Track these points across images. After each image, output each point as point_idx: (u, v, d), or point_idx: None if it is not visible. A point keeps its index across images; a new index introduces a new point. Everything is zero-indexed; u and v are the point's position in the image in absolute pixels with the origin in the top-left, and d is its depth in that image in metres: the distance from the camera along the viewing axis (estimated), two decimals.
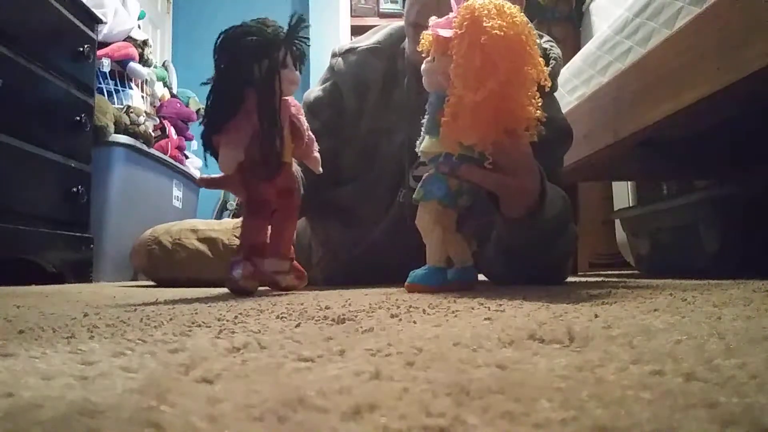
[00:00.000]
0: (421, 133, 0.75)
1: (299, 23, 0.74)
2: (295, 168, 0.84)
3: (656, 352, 0.26)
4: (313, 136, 0.83)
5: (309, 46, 0.76)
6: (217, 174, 0.77)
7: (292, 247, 0.84)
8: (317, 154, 0.84)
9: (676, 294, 0.59)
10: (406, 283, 0.74)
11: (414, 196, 0.76)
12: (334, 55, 1.13)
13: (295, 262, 0.84)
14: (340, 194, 1.10)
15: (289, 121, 0.78)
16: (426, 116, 0.74)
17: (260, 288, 0.82)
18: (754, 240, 1.26)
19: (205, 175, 0.82)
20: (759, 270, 1.02)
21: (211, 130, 0.73)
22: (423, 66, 0.74)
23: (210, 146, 0.75)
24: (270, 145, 0.73)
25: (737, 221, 1.32)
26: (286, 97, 0.77)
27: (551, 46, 1.04)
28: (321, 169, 0.85)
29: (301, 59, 0.76)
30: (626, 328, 0.34)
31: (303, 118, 0.81)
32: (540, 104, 0.66)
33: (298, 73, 0.76)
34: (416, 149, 0.76)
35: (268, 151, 0.73)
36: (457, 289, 0.74)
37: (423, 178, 0.76)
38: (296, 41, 0.74)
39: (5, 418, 0.17)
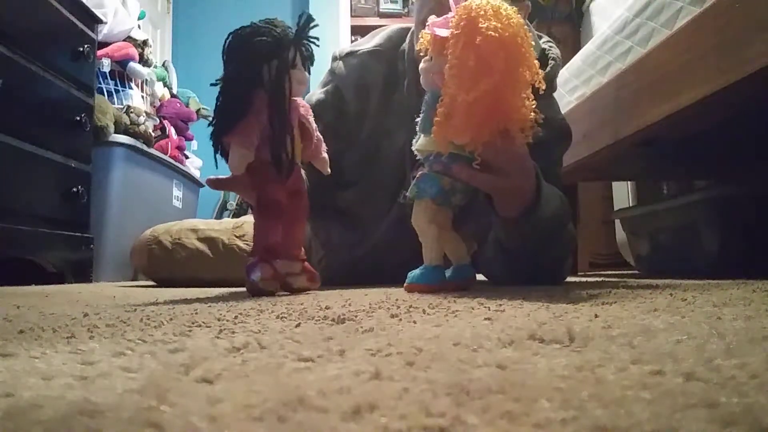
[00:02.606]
0: (417, 131, 0.75)
1: (308, 23, 0.74)
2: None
3: (656, 352, 0.26)
4: (321, 137, 0.83)
5: (318, 46, 0.76)
6: (225, 174, 0.77)
7: (303, 248, 0.84)
8: (325, 155, 0.84)
9: (676, 294, 0.59)
10: (405, 285, 0.74)
11: (408, 194, 0.76)
12: (334, 59, 1.13)
13: (306, 263, 0.84)
14: (341, 196, 1.10)
15: (298, 122, 0.78)
16: (421, 114, 0.75)
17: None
18: (755, 240, 1.26)
19: (213, 176, 0.81)
20: (759, 270, 1.02)
21: (221, 130, 0.73)
22: (421, 65, 0.74)
23: (220, 147, 0.74)
24: (281, 146, 0.73)
25: (737, 221, 1.32)
26: (295, 98, 0.76)
27: (550, 47, 1.04)
28: (329, 170, 0.85)
29: (310, 59, 0.76)
30: (626, 328, 0.34)
31: (311, 119, 0.81)
32: (534, 106, 0.66)
33: (306, 73, 0.76)
34: (412, 147, 0.77)
35: (280, 153, 0.73)
36: (455, 288, 0.74)
37: (417, 176, 0.76)
38: (305, 41, 0.74)
39: (5, 418, 0.17)
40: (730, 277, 0.95)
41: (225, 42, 0.73)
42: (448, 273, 0.76)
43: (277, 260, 0.77)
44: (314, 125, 0.81)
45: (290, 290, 0.83)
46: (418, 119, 0.75)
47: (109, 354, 0.29)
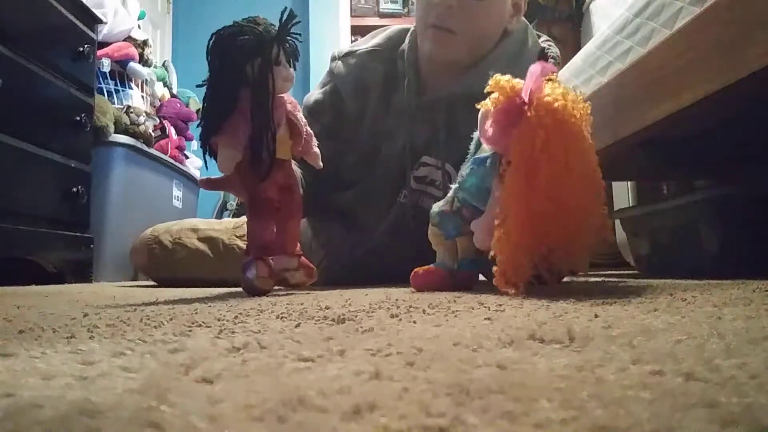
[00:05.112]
0: (461, 179, 0.72)
1: (290, 19, 0.74)
2: (294, 168, 0.84)
3: (656, 352, 0.26)
4: (311, 131, 0.83)
5: (301, 42, 0.76)
6: (218, 175, 0.78)
7: (299, 243, 0.85)
8: (317, 149, 0.84)
9: (676, 294, 0.59)
10: (413, 272, 0.75)
11: (431, 218, 0.76)
12: (333, 59, 1.13)
13: (303, 258, 0.84)
14: (341, 197, 1.10)
15: (287, 118, 0.78)
16: (471, 167, 0.70)
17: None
18: (755, 240, 1.26)
19: (206, 177, 0.82)
20: (759, 270, 1.02)
21: (208, 131, 0.73)
22: (481, 115, 0.68)
23: (209, 148, 0.75)
24: (260, 143, 0.73)
25: (737, 221, 1.32)
26: (282, 95, 0.76)
27: (549, 45, 1.04)
28: (321, 164, 0.85)
29: (294, 55, 0.76)
30: (626, 328, 0.34)
31: (300, 115, 0.81)
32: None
33: (292, 69, 0.76)
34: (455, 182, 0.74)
35: (259, 150, 0.73)
36: (461, 282, 0.76)
37: (442, 208, 0.74)
38: (288, 38, 0.74)
39: (5, 418, 0.17)
40: (730, 277, 0.95)
41: (208, 42, 0.73)
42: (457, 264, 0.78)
43: (272, 257, 0.77)
44: (303, 120, 0.81)
45: (288, 286, 0.83)
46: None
47: (109, 354, 0.29)
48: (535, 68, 0.61)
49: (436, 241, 0.77)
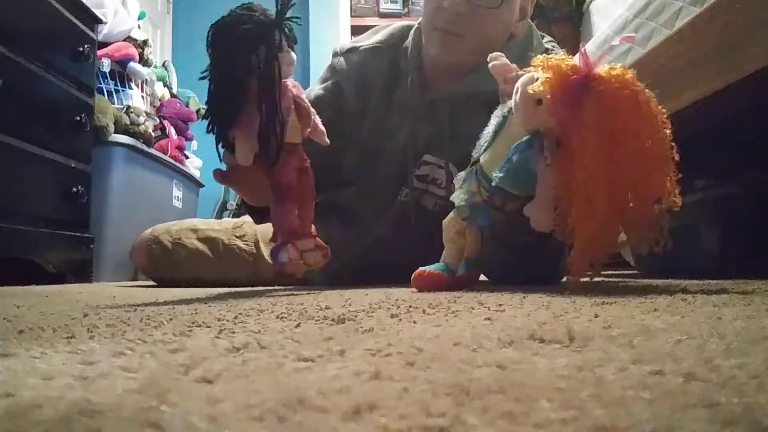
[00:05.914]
0: (485, 148, 0.72)
1: (286, 3, 0.73)
2: None
3: (656, 352, 0.26)
4: (314, 110, 0.83)
5: (300, 24, 0.76)
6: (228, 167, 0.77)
7: (314, 225, 0.85)
8: (322, 127, 0.84)
9: (676, 294, 0.59)
10: (415, 273, 0.75)
11: (457, 207, 0.75)
12: (335, 55, 1.12)
13: (318, 239, 0.84)
14: (341, 195, 1.10)
15: (294, 102, 0.78)
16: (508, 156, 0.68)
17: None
18: (755, 240, 1.26)
19: (218, 169, 0.80)
20: (759, 270, 1.02)
21: (224, 125, 0.73)
22: (524, 97, 0.65)
23: (224, 141, 0.74)
24: (270, 131, 0.73)
25: (737, 221, 1.31)
26: (285, 80, 0.76)
27: (552, 47, 1.04)
28: (328, 140, 0.84)
29: (295, 39, 0.75)
30: (626, 328, 0.34)
31: (304, 96, 0.81)
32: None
33: (293, 54, 0.76)
34: (480, 164, 0.72)
35: (269, 138, 0.73)
36: (462, 283, 0.76)
37: (471, 200, 0.73)
38: (288, 22, 0.74)
39: (5, 418, 0.17)
40: (730, 277, 0.95)
41: (208, 35, 0.72)
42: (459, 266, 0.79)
43: (297, 241, 0.78)
44: (306, 101, 0.81)
45: (306, 266, 0.83)
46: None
47: (109, 354, 0.29)
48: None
49: (452, 237, 0.76)
